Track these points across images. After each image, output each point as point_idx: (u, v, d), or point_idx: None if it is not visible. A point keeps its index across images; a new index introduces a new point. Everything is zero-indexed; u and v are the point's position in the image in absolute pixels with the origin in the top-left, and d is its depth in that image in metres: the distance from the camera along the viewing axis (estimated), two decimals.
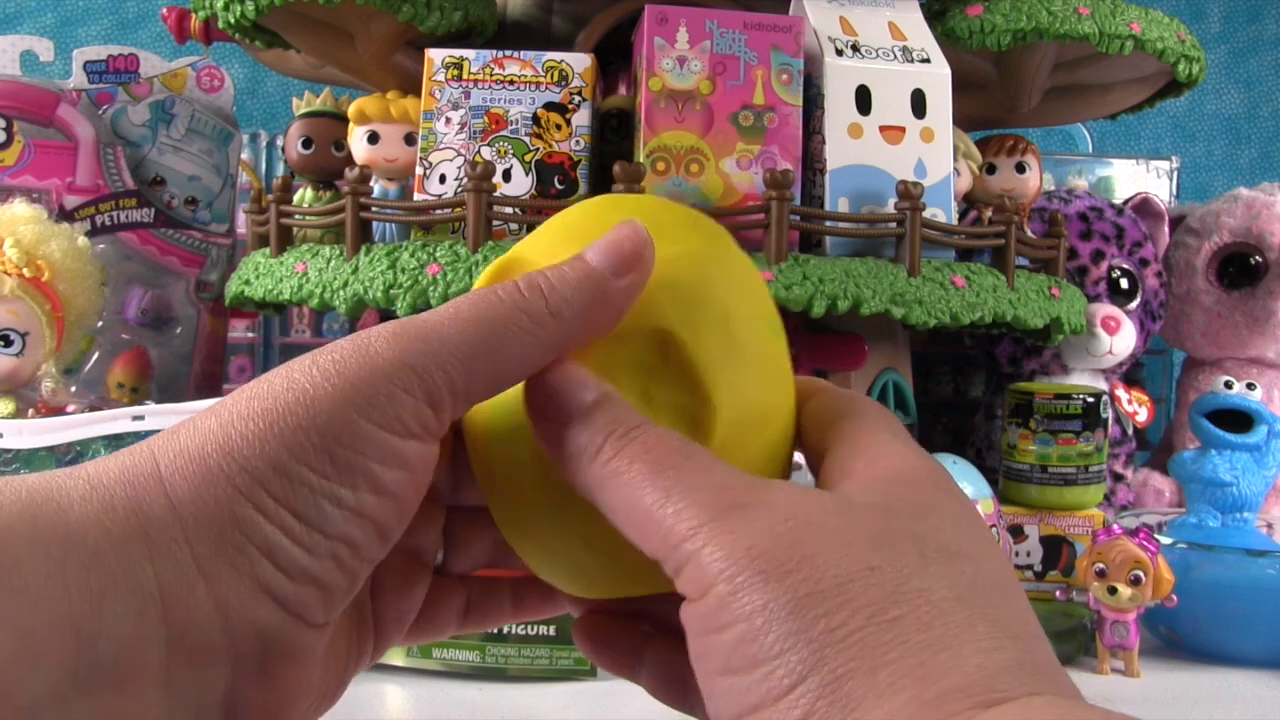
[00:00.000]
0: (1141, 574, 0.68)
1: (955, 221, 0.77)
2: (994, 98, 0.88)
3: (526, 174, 0.73)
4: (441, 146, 0.74)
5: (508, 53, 0.74)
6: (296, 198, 0.86)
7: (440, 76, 0.74)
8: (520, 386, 0.28)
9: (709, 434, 0.28)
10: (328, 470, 0.25)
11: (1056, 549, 0.80)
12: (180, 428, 0.26)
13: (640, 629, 0.33)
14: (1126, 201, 1.06)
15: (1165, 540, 0.73)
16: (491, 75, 0.74)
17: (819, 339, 0.77)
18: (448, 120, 0.74)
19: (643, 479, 0.25)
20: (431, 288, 0.68)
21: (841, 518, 0.25)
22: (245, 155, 1.16)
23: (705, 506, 0.25)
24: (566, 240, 0.29)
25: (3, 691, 0.23)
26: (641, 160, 0.71)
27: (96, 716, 0.24)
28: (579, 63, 0.74)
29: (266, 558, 0.25)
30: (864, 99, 0.75)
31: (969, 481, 0.72)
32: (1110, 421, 0.89)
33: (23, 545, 0.24)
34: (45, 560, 0.24)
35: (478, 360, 0.26)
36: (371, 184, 0.75)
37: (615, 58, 0.83)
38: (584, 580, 0.31)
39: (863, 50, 0.76)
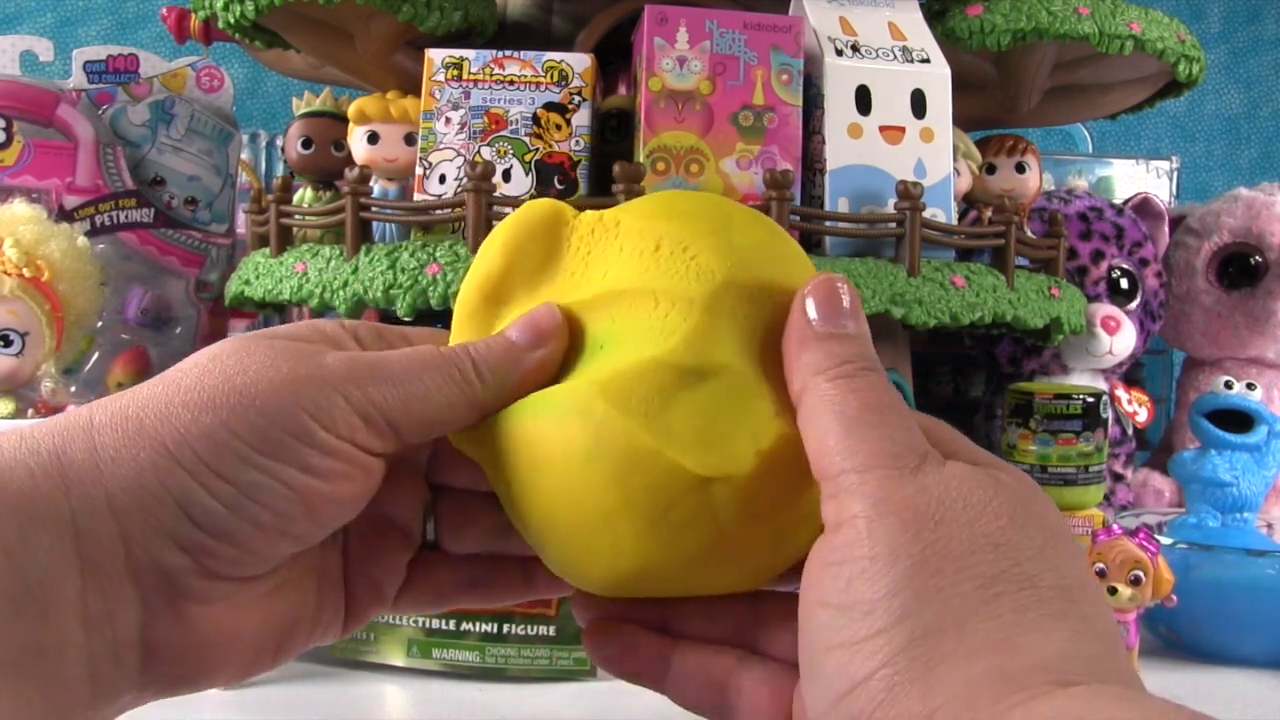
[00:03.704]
0: (1141, 574, 0.68)
1: (955, 221, 0.77)
2: (994, 98, 0.88)
3: (526, 174, 0.73)
4: (441, 146, 0.74)
5: (508, 53, 0.74)
6: (296, 198, 0.86)
7: (440, 76, 0.74)
8: (579, 383, 0.30)
9: None
10: (258, 444, 0.28)
11: None
12: (125, 393, 0.29)
13: (665, 637, 0.33)
14: (1126, 201, 1.06)
15: (1165, 540, 0.73)
16: (491, 75, 0.74)
17: None
18: (448, 120, 0.74)
19: (848, 411, 0.28)
20: (431, 288, 0.68)
21: (988, 494, 0.26)
22: (245, 155, 1.16)
23: (884, 454, 0.27)
24: (659, 215, 0.32)
25: None
26: (641, 160, 0.71)
27: (25, 642, 0.26)
28: (579, 63, 0.74)
29: (179, 506, 0.27)
30: (864, 99, 0.75)
31: None
32: (1110, 421, 0.89)
33: None
34: None
35: (410, 396, 0.30)
36: (371, 184, 0.75)
37: (615, 58, 0.83)
38: (613, 567, 0.31)
39: (863, 50, 0.76)
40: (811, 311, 0.30)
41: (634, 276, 0.31)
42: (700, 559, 0.30)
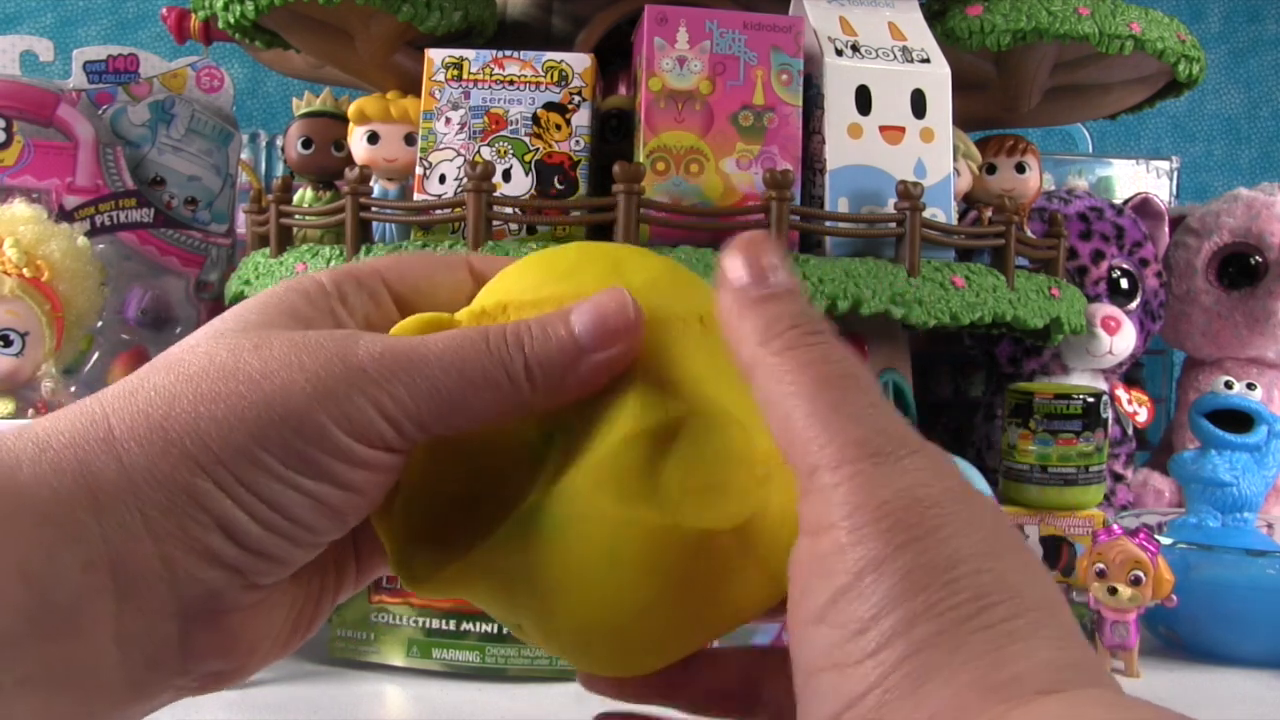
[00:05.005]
0: (1141, 574, 0.68)
1: (955, 221, 0.77)
2: (994, 98, 0.88)
3: (526, 174, 0.73)
4: (441, 146, 0.74)
5: (508, 53, 0.74)
6: (296, 198, 0.86)
7: (440, 76, 0.74)
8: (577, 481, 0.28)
9: None
10: (291, 462, 0.26)
11: (1056, 549, 0.80)
12: (137, 390, 0.27)
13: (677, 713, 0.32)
14: (1126, 201, 1.06)
15: (1165, 540, 0.73)
16: (491, 75, 0.74)
17: None
18: (448, 120, 0.74)
19: (805, 390, 0.26)
20: None
21: (967, 500, 0.26)
22: (245, 155, 1.16)
23: (856, 444, 0.25)
24: (545, 284, 0.30)
25: None
26: (641, 160, 0.71)
27: (53, 662, 0.25)
28: (579, 63, 0.74)
29: (220, 529, 0.26)
30: (864, 99, 0.75)
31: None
32: (1110, 421, 0.89)
33: None
34: None
35: (447, 405, 0.27)
36: (371, 184, 0.75)
37: (615, 58, 0.83)
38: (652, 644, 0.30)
39: (863, 50, 0.76)
40: (738, 273, 0.27)
41: None
42: (742, 600, 0.29)
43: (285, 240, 0.80)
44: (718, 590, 0.28)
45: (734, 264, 0.27)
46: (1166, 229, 1.07)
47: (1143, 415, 0.99)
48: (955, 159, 0.78)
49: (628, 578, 0.28)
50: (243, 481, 0.26)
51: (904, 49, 0.77)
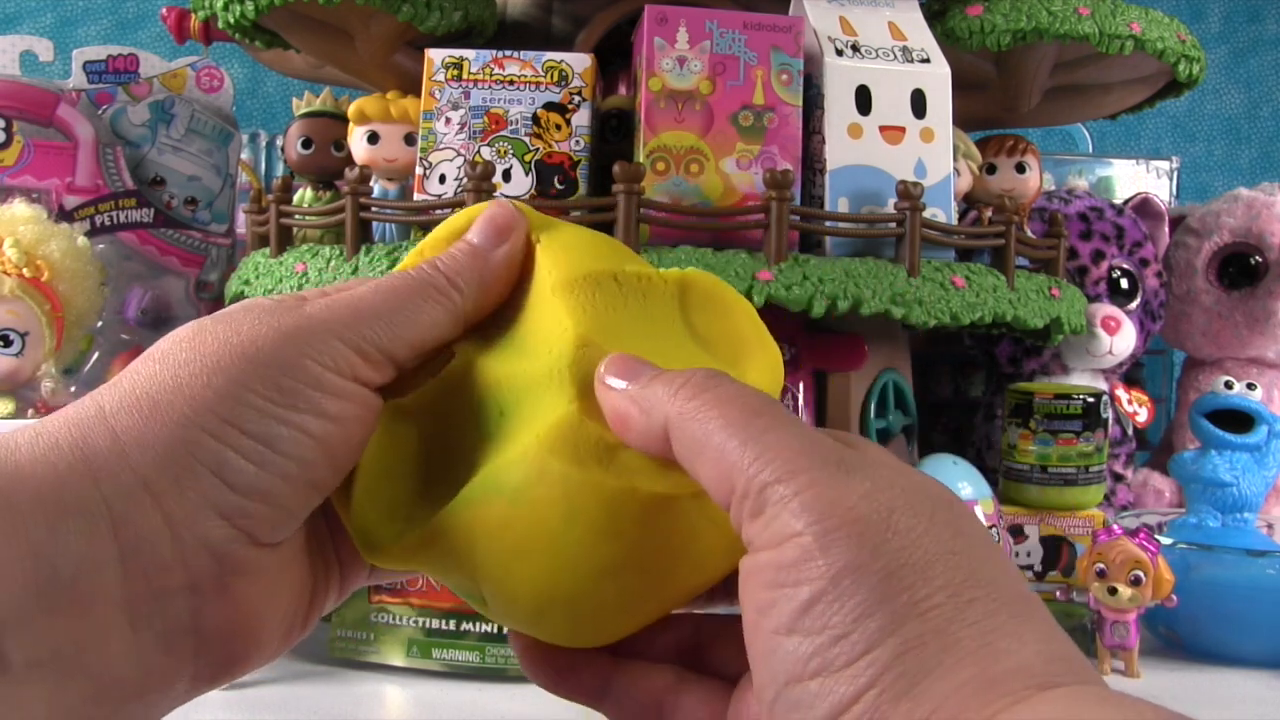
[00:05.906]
0: (1141, 574, 0.68)
1: (955, 221, 0.77)
2: (994, 98, 0.88)
3: (526, 174, 0.73)
4: (441, 146, 0.74)
5: (507, 53, 0.74)
6: (296, 198, 0.86)
7: (440, 76, 0.74)
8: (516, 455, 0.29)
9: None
10: (274, 396, 0.28)
11: (1056, 549, 0.80)
12: (121, 379, 0.28)
13: (606, 658, 0.32)
14: (1126, 201, 1.06)
15: (1165, 540, 0.73)
16: (491, 75, 0.74)
17: (819, 339, 0.77)
18: (448, 120, 0.74)
19: (733, 421, 0.26)
20: None
21: (928, 499, 0.26)
22: (245, 155, 1.16)
23: (804, 454, 0.25)
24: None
25: None
26: (641, 160, 0.71)
27: (62, 639, 0.25)
28: (579, 63, 0.74)
29: (215, 474, 0.27)
30: (864, 99, 0.75)
31: (969, 481, 0.72)
32: (1110, 421, 0.89)
33: None
34: None
35: (398, 324, 0.30)
36: (371, 184, 0.75)
37: (615, 58, 0.83)
38: (599, 617, 0.30)
39: (863, 50, 0.76)
40: (617, 379, 0.28)
41: (476, 332, 0.31)
42: (700, 567, 0.29)
43: (285, 240, 0.80)
44: (675, 556, 0.28)
45: (610, 377, 0.28)
46: (1166, 229, 1.07)
47: (1143, 415, 0.99)
48: (955, 159, 0.78)
49: (585, 539, 0.28)
50: (231, 421, 0.27)
51: (904, 49, 0.77)
